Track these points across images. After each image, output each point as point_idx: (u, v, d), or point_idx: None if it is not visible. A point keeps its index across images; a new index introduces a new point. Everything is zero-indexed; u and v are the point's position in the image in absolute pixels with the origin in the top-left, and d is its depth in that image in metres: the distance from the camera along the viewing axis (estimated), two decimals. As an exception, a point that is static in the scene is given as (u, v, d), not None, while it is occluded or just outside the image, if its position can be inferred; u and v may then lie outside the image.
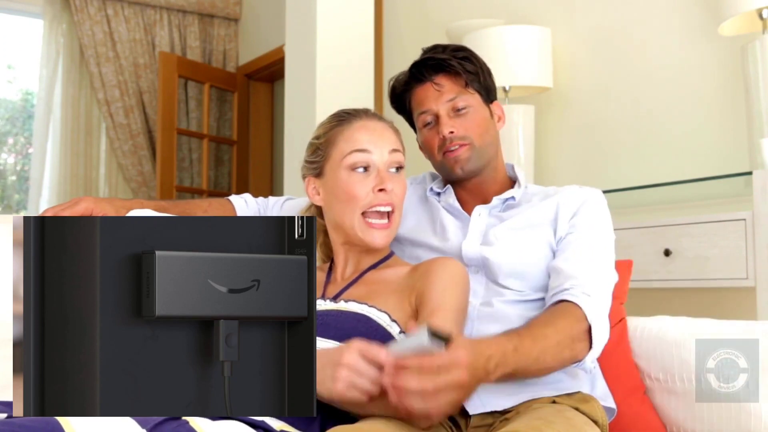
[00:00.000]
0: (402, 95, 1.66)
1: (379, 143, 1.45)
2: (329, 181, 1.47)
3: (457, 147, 1.56)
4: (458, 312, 1.37)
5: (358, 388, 1.13)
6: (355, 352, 1.14)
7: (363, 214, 1.44)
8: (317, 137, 1.51)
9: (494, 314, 1.47)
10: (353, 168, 1.44)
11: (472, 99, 1.59)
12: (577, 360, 1.36)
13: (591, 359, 1.37)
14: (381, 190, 1.43)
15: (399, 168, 1.48)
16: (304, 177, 1.54)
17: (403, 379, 1.09)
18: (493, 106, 1.64)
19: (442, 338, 1.12)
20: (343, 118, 1.50)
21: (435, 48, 1.63)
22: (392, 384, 1.10)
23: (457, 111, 1.57)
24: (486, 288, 1.50)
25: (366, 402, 1.15)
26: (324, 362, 1.16)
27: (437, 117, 1.58)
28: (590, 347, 1.35)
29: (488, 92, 1.63)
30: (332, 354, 1.16)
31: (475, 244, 1.52)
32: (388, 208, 1.45)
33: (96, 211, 1.61)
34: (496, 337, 1.27)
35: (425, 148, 1.63)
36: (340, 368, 1.13)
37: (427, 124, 1.60)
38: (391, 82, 1.68)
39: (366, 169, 1.44)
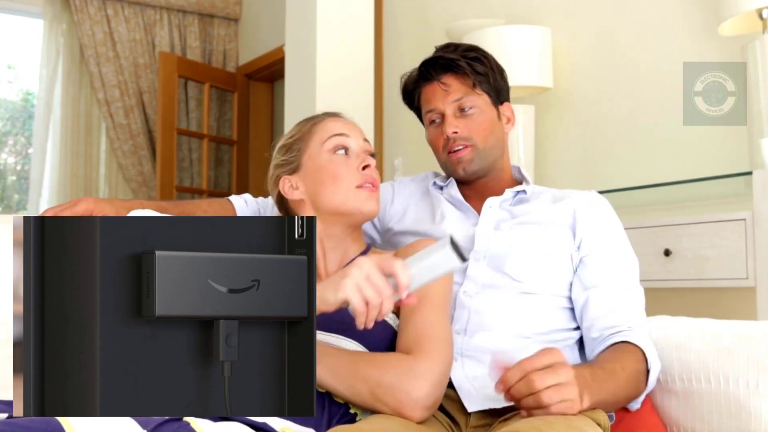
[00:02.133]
0: (412, 92, 1.67)
1: (353, 132, 1.50)
2: (310, 170, 1.48)
3: (460, 148, 1.57)
4: (445, 297, 1.38)
5: (363, 293, 1.12)
6: (371, 261, 1.13)
7: (356, 188, 1.45)
8: (290, 137, 1.54)
9: (493, 303, 1.47)
10: (335, 150, 1.46)
11: (479, 100, 1.59)
12: (635, 399, 1.42)
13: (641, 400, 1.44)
14: (366, 167, 1.46)
15: (372, 155, 1.51)
16: (276, 180, 1.53)
17: (534, 382, 1.15)
18: (503, 107, 1.65)
19: (461, 254, 1.11)
20: (313, 118, 1.54)
21: (447, 47, 1.63)
22: (527, 390, 1.16)
23: (462, 111, 1.58)
24: (486, 276, 1.50)
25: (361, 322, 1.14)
26: (332, 278, 1.16)
27: (443, 116, 1.59)
28: (646, 388, 1.42)
29: (498, 93, 1.63)
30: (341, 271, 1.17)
31: (488, 231, 1.53)
32: (370, 185, 1.46)
33: (96, 212, 1.61)
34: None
35: (432, 146, 1.65)
36: (351, 269, 1.13)
37: (432, 122, 1.62)
38: (403, 79, 1.69)
39: (346, 151, 1.47)
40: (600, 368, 1.34)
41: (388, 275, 1.13)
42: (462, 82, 1.59)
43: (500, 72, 1.64)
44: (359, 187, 1.45)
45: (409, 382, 1.22)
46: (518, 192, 1.60)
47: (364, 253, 1.51)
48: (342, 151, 1.46)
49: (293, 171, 1.51)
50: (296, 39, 3.49)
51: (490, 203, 1.58)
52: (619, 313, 1.46)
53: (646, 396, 1.57)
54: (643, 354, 1.41)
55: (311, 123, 1.52)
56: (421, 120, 1.70)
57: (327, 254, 1.50)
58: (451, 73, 1.59)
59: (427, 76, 1.61)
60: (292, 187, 1.51)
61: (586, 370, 1.29)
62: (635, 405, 1.45)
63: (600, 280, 1.49)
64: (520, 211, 1.57)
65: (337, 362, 1.27)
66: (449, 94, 1.58)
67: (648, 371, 1.41)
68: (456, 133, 1.56)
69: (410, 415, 1.21)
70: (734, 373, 1.43)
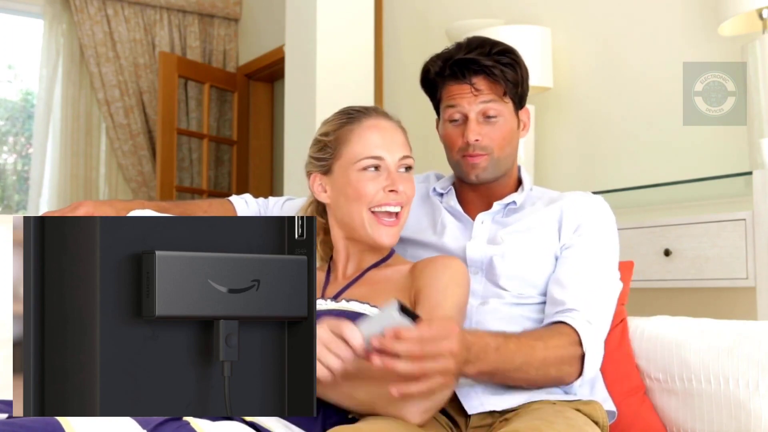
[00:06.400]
0: (434, 81, 1.60)
1: (392, 147, 1.46)
2: (339, 179, 1.47)
3: (477, 155, 1.54)
4: (458, 310, 1.37)
5: (324, 363, 1.13)
6: (325, 327, 1.14)
7: (372, 212, 1.44)
8: (325, 134, 1.50)
9: (494, 314, 1.47)
10: (365, 169, 1.44)
11: (504, 109, 1.55)
12: (563, 383, 1.39)
13: (578, 384, 1.40)
14: (392, 191, 1.44)
15: (408, 168, 1.48)
16: (309, 173, 1.53)
17: (392, 347, 1.11)
18: (522, 112, 1.61)
19: (411, 315, 1.14)
20: (352, 115, 1.49)
21: (481, 45, 1.55)
22: (382, 350, 1.12)
23: (487, 117, 1.54)
24: (485, 289, 1.50)
25: (332, 381, 1.15)
26: None
27: (466, 118, 1.54)
28: (580, 374, 1.38)
29: (521, 99, 1.59)
30: None
31: (480, 245, 1.53)
32: (397, 208, 1.45)
33: (96, 215, 1.60)
34: (482, 332, 1.30)
35: (445, 142, 1.61)
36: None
37: (453, 120, 1.57)
38: (425, 65, 1.61)
39: (377, 168, 1.44)
40: (516, 339, 1.32)
41: (341, 337, 1.14)
42: (492, 88, 1.53)
43: (527, 77, 1.59)
44: (375, 213, 1.44)
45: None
46: (507, 204, 1.58)
47: (387, 258, 1.51)
48: (372, 169, 1.44)
49: (325, 172, 1.50)
50: (296, 39, 3.49)
51: (482, 218, 1.57)
52: (570, 292, 1.43)
53: (646, 396, 1.57)
54: (580, 341, 1.37)
55: (349, 125, 1.47)
56: (436, 108, 1.65)
57: (350, 257, 1.51)
58: (483, 76, 1.53)
59: (458, 76, 1.54)
60: (322, 188, 1.51)
61: (497, 339, 1.28)
62: (566, 383, 1.40)
63: (568, 267, 1.48)
64: (513, 220, 1.56)
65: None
66: (477, 98, 1.53)
67: (583, 362, 1.37)
68: (477, 141, 1.53)
69: (412, 419, 1.22)
70: (734, 373, 1.43)
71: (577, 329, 1.38)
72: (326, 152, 1.49)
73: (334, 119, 1.51)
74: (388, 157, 1.45)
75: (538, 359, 1.32)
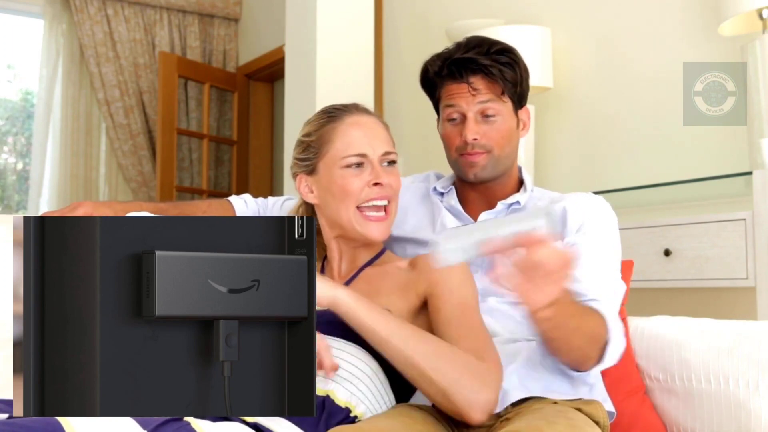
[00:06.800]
0: (433, 81, 1.61)
1: (374, 143, 1.45)
2: (323, 179, 1.47)
3: (475, 153, 1.54)
4: (477, 305, 1.40)
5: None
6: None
7: (359, 208, 1.44)
8: (307, 134, 1.50)
9: (490, 313, 1.47)
10: (348, 166, 1.44)
11: (503, 108, 1.55)
12: (581, 366, 1.38)
13: (595, 373, 1.40)
14: (376, 184, 1.43)
15: (392, 162, 1.48)
16: (294, 175, 1.53)
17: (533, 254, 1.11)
18: (522, 112, 1.61)
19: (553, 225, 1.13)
20: (333, 114, 1.49)
21: (479, 45, 1.55)
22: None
23: (485, 117, 1.54)
24: (485, 287, 1.50)
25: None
26: None
27: (464, 117, 1.54)
28: (598, 361, 1.37)
29: (521, 99, 1.59)
30: None
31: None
32: (384, 202, 1.45)
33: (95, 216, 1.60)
34: None
35: (444, 141, 1.61)
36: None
37: (451, 120, 1.57)
38: (425, 65, 1.62)
39: (360, 165, 1.44)
40: (578, 303, 1.34)
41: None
42: (490, 88, 1.53)
43: (527, 76, 1.59)
44: (361, 208, 1.44)
45: (481, 387, 1.26)
46: (511, 204, 1.58)
47: (378, 256, 1.51)
48: (355, 166, 1.44)
49: (310, 173, 1.50)
50: (296, 39, 3.49)
51: (484, 218, 1.57)
52: (585, 285, 1.42)
53: (646, 395, 1.57)
54: (606, 325, 1.37)
55: (330, 124, 1.48)
56: (435, 107, 1.65)
57: (342, 255, 1.51)
58: (481, 75, 1.53)
59: (455, 75, 1.55)
60: (308, 189, 1.51)
61: (572, 294, 1.30)
62: (586, 376, 1.42)
63: (583, 271, 1.46)
64: None
65: (426, 348, 1.29)
66: (476, 97, 1.53)
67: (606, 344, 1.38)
68: (476, 140, 1.53)
69: (475, 417, 1.25)
70: (734, 373, 1.43)
71: (605, 316, 1.38)
72: (310, 152, 1.49)
73: (315, 119, 1.51)
74: (371, 153, 1.44)
75: (587, 333, 1.33)
